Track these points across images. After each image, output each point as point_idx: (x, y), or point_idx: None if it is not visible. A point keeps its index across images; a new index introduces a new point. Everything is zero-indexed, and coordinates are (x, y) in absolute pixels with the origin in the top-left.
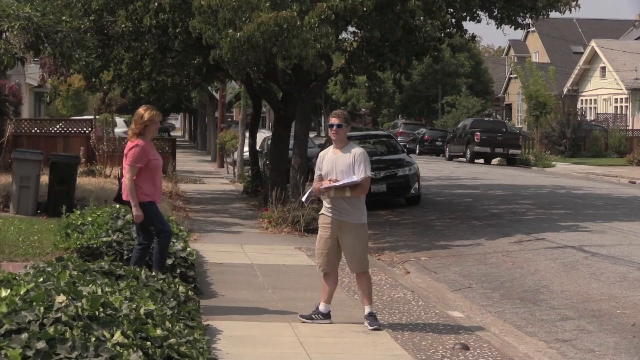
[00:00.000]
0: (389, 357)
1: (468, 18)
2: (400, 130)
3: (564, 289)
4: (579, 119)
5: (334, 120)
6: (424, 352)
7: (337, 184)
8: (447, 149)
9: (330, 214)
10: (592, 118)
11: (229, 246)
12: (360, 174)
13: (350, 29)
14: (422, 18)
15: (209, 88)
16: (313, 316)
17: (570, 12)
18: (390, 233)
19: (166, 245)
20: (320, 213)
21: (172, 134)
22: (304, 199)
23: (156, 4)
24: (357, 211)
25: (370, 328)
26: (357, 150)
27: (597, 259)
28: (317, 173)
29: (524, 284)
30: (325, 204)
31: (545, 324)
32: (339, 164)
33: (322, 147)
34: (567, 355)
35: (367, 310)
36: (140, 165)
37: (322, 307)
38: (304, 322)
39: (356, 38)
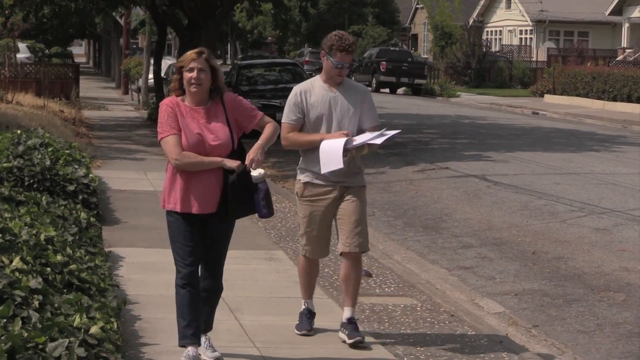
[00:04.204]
0: (291, 284)
1: None
2: (307, 58)
3: (466, 218)
4: (484, 50)
5: (346, 59)
6: (327, 279)
7: (377, 140)
8: (353, 78)
9: (328, 181)
10: (497, 49)
11: (133, 173)
12: (376, 121)
13: None
14: None
15: (114, 14)
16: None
17: None
18: (295, 161)
19: None
20: (304, 182)
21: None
22: (330, 168)
23: None
24: (362, 169)
25: (350, 341)
26: (362, 87)
27: (500, 188)
28: (294, 116)
29: (427, 212)
30: (313, 167)
31: (447, 251)
32: (342, 105)
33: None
34: (468, 283)
35: (347, 313)
36: None
37: (311, 305)
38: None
39: None
